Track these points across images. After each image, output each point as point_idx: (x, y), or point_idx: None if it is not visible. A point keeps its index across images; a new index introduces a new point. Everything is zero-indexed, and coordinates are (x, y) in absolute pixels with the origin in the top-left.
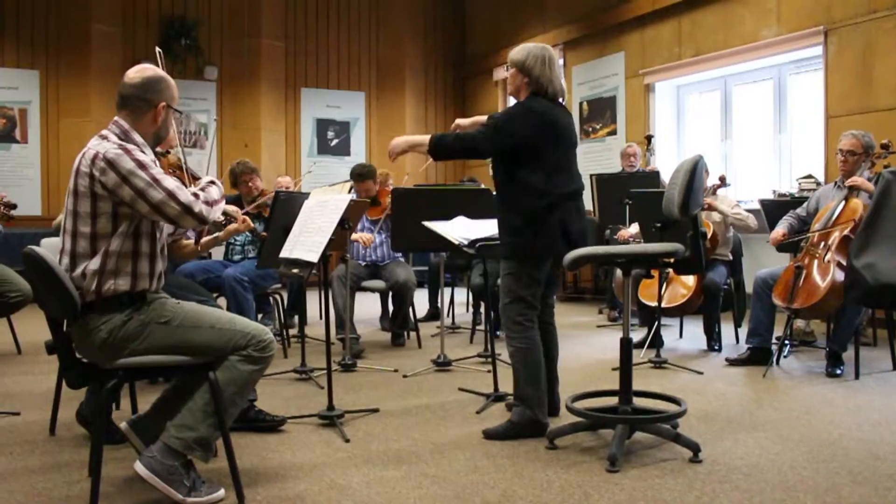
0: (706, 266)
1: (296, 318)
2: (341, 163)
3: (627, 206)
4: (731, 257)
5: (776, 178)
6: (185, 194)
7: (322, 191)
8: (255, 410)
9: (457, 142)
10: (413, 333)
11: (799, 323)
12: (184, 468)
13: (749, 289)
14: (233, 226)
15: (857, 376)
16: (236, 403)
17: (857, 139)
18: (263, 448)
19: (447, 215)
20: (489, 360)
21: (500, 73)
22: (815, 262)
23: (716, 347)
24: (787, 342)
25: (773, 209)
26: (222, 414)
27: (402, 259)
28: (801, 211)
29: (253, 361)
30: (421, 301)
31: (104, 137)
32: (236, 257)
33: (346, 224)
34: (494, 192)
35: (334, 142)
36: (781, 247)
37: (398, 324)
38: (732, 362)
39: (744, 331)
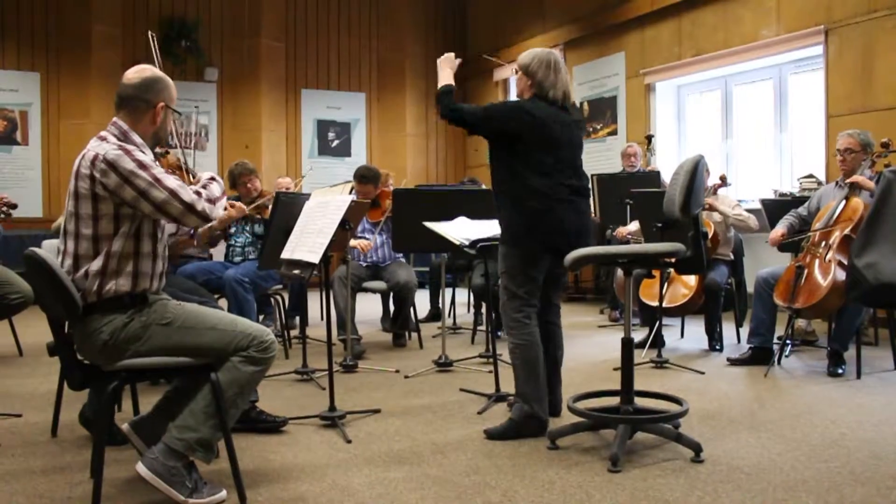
0: (707, 266)
1: (297, 318)
2: (342, 164)
3: (628, 206)
4: (732, 257)
5: (777, 177)
6: (187, 193)
7: (323, 192)
8: (257, 411)
9: (458, 108)
10: (414, 334)
11: (800, 322)
12: (186, 469)
13: (750, 288)
14: (225, 213)
15: (858, 376)
16: (238, 404)
17: (852, 137)
18: (265, 449)
19: (448, 216)
20: (490, 360)
21: (501, 74)
22: (817, 261)
23: (717, 347)
24: (788, 342)
25: (774, 209)
26: (224, 415)
27: (403, 260)
28: (802, 210)
29: (254, 362)
30: (422, 302)
31: (103, 139)
32: (237, 259)
33: (346, 225)
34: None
35: (335, 143)
36: (782, 246)
37: (399, 324)
38: (734, 362)
39: (745, 330)
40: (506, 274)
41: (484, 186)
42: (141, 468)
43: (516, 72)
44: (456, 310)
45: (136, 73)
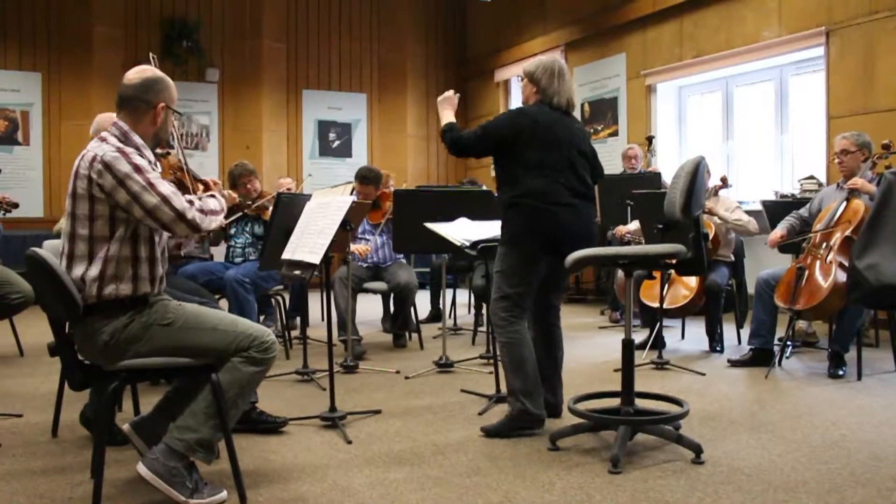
0: (708, 267)
1: (297, 319)
2: (343, 164)
3: (629, 207)
4: (732, 258)
5: (778, 178)
6: (179, 200)
7: (324, 192)
8: (258, 412)
9: (458, 139)
10: (415, 335)
11: (801, 324)
12: (186, 470)
13: (751, 290)
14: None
15: (859, 377)
16: (238, 405)
17: (847, 139)
18: (265, 449)
19: (449, 217)
20: (491, 361)
21: (502, 75)
22: (817, 262)
23: (718, 348)
24: (789, 343)
25: (775, 210)
26: (224, 415)
27: (403, 260)
28: (803, 211)
29: (255, 363)
30: (423, 302)
31: (103, 140)
32: (237, 259)
33: (347, 225)
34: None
35: (336, 143)
36: (783, 247)
37: (399, 325)
38: (734, 363)
39: (746, 332)
40: (501, 273)
41: (484, 187)
42: (141, 468)
43: (522, 79)
44: (456, 311)
45: (137, 73)
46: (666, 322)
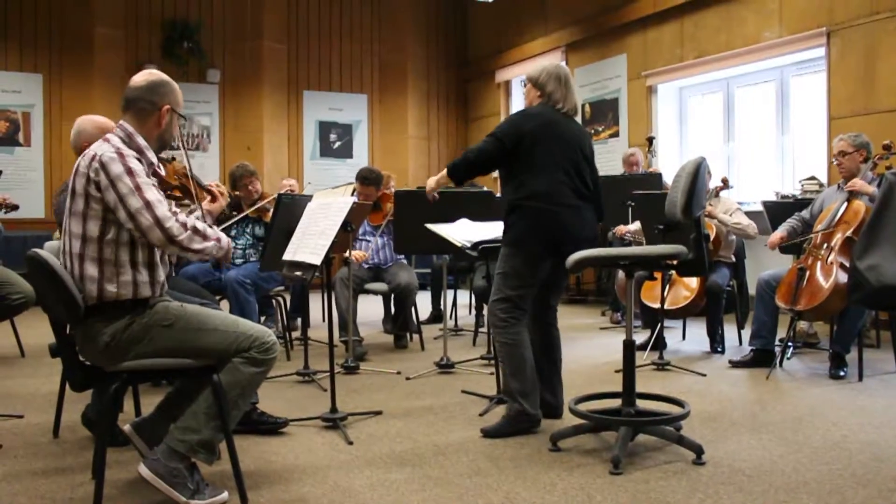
0: (709, 268)
1: (298, 320)
2: (343, 165)
3: (630, 208)
4: (733, 259)
5: (779, 179)
6: (162, 209)
7: (324, 193)
8: (258, 413)
9: (470, 161)
10: (416, 336)
11: (802, 325)
12: (187, 471)
13: (752, 290)
14: (216, 204)
15: (860, 378)
16: (239, 406)
17: (844, 140)
18: (266, 450)
19: (450, 218)
20: (492, 362)
21: (503, 75)
22: (819, 263)
23: (719, 349)
24: (790, 344)
25: (776, 211)
26: (226, 416)
27: (404, 261)
28: (805, 213)
29: (256, 364)
30: (424, 303)
31: (107, 140)
32: (238, 261)
33: (348, 226)
34: (499, 194)
35: (337, 144)
36: (784, 248)
37: (400, 326)
38: (735, 364)
39: (747, 333)
40: (502, 274)
41: (485, 188)
42: (143, 469)
43: (525, 84)
44: (457, 311)
45: (144, 76)
46: (667, 323)
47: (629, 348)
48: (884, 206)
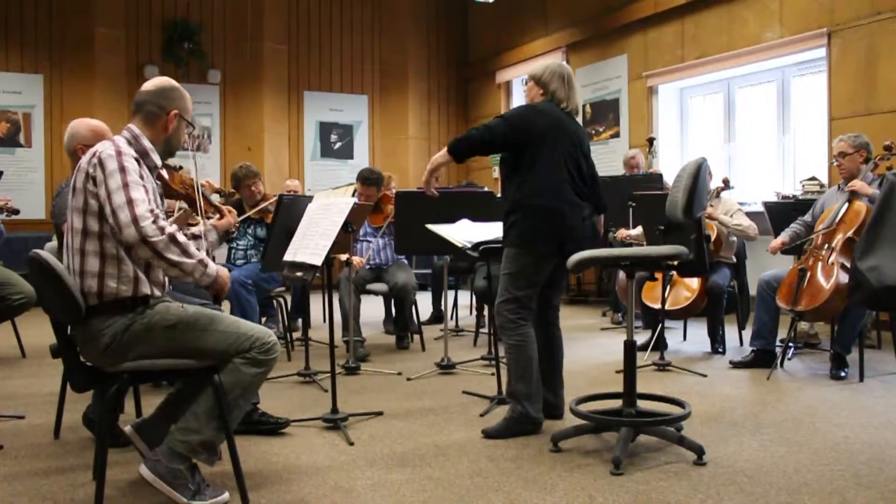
0: (710, 268)
1: (299, 321)
2: (344, 166)
3: (631, 209)
4: (734, 260)
5: (780, 180)
6: (142, 208)
7: (325, 194)
8: (259, 413)
9: (473, 137)
10: (416, 336)
11: (803, 325)
12: (188, 471)
13: (753, 291)
14: (224, 220)
15: (861, 379)
16: (240, 406)
17: (844, 141)
18: (267, 451)
19: (451, 218)
20: (493, 362)
21: (504, 76)
22: (819, 264)
23: (719, 350)
24: (790, 344)
25: (777, 211)
26: (227, 417)
27: (404, 261)
28: (807, 217)
29: (257, 364)
30: (424, 304)
31: (111, 140)
32: (239, 262)
33: (349, 227)
34: (500, 194)
35: (337, 145)
36: (785, 249)
37: (400, 327)
38: (736, 365)
39: (747, 333)
40: (510, 275)
41: (486, 188)
42: (143, 470)
43: (526, 82)
44: (458, 312)
45: (154, 81)
46: (668, 323)
47: (630, 349)
48: (885, 206)
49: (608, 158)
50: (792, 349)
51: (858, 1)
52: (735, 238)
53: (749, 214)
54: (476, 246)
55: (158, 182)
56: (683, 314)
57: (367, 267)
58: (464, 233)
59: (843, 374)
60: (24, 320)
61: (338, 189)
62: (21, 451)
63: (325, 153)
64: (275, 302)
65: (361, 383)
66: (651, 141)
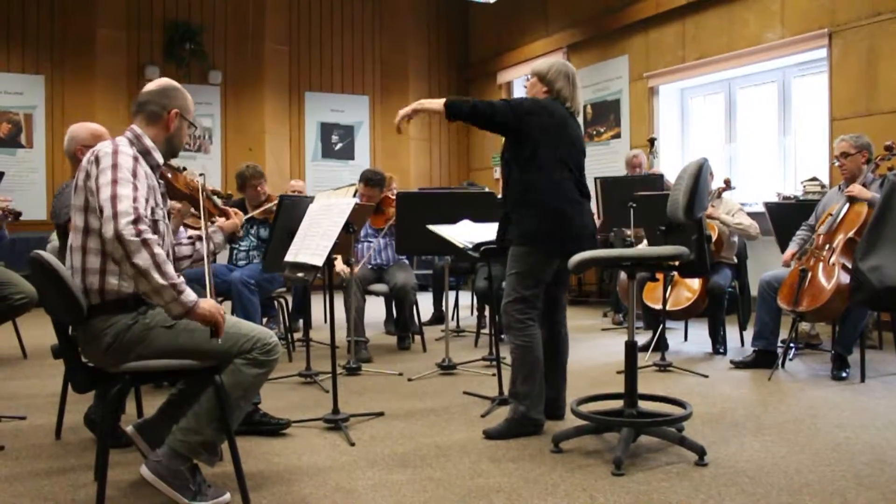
0: (711, 269)
1: (300, 321)
2: (345, 167)
3: (631, 209)
4: (735, 260)
5: (780, 180)
6: (125, 204)
7: (326, 194)
8: (260, 414)
9: (475, 104)
10: (418, 337)
11: (804, 326)
12: (189, 472)
13: (754, 292)
14: (230, 221)
15: (862, 379)
16: (241, 407)
17: (846, 141)
18: (268, 452)
19: (452, 219)
20: (494, 363)
21: (504, 77)
22: (820, 264)
23: (721, 350)
24: (792, 345)
25: (778, 212)
26: (228, 417)
27: (405, 262)
28: (811, 220)
29: (258, 365)
30: (425, 304)
31: (112, 139)
32: (241, 262)
33: (350, 228)
34: (500, 195)
35: (338, 146)
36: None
37: (400, 327)
38: (737, 365)
39: (749, 334)
40: (517, 275)
41: (487, 189)
42: (145, 471)
43: (528, 78)
44: (459, 313)
45: (156, 82)
46: (668, 324)
47: (631, 349)
48: (886, 207)
49: (609, 159)
50: (793, 350)
51: (859, 2)
52: (736, 238)
53: (750, 215)
54: (477, 246)
55: (161, 182)
56: (684, 315)
57: (369, 267)
58: (465, 233)
59: (844, 374)
60: (26, 321)
61: (339, 189)
62: (22, 452)
63: (326, 154)
64: (276, 302)
65: (362, 384)
66: (652, 141)
